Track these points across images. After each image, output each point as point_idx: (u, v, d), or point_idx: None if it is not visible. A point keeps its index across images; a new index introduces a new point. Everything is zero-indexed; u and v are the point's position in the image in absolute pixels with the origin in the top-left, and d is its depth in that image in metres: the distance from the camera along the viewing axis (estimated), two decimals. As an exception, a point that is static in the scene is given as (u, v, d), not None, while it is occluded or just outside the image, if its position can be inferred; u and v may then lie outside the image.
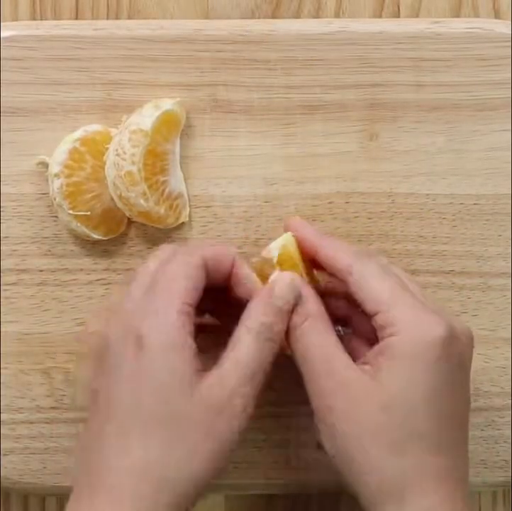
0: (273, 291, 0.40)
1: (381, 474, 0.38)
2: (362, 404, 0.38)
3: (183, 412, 0.37)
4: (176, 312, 0.38)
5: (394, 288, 0.40)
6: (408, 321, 0.39)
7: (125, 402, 0.38)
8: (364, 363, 0.39)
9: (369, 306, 0.40)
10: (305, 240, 0.43)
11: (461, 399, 0.40)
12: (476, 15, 0.52)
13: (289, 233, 0.44)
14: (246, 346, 0.39)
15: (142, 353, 0.38)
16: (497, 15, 0.52)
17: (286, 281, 0.40)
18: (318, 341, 0.40)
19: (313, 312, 0.40)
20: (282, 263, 0.42)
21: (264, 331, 0.39)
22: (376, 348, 0.39)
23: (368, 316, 0.40)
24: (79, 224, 0.48)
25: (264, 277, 0.42)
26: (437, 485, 0.38)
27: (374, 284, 0.40)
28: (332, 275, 0.43)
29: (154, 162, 0.47)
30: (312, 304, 0.41)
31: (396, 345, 0.38)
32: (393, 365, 0.38)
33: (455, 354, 0.39)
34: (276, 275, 0.42)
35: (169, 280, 0.39)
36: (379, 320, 0.39)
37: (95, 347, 0.40)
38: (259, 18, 0.52)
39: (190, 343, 0.38)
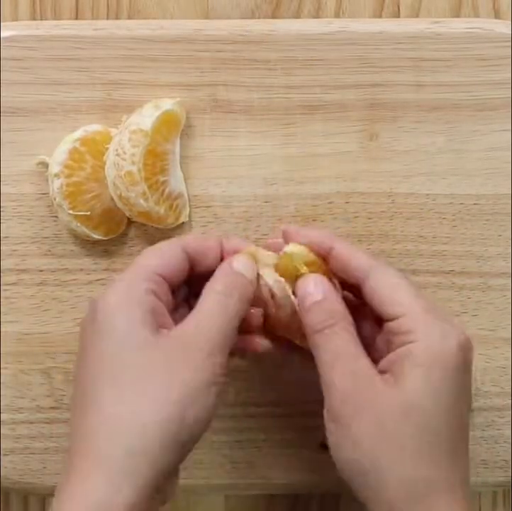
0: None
1: (403, 479, 0.37)
2: (383, 407, 0.38)
3: (143, 364, 0.38)
4: (137, 279, 0.39)
5: (413, 294, 0.40)
6: (427, 328, 0.38)
7: (89, 364, 0.39)
8: (381, 370, 0.39)
9: (388, 311, 0.39)
10: (318, 243, 0.42)
11: (467, 404, 0.40)
12: (476, 15, 0.52)
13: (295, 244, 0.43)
14: (209, 305, 0.39)
15: (95, 314, 0.39)
16: (497, 15, 0.52)
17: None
18: (343, 342, 0.39)
19: (340, 313, 0.40)
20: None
21: (225, 291, 0.40)
22: (394, 354, 0.39)
23: (379, 321, 0.40)
24: (79, 224, 0.48)
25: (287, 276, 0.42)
26: (455, 491, 0.38)
27: (393, 290, 0.40)
28: (341, 278, 0.42)
29: (154, 162, 0.47)
30: (338, 304, 0.40)
31: (418, 352, 0.38)
32: (416, 372, 0.38)
33: (468, 361, 0.39)
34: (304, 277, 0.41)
35: (140, 257, 0.41)
36: (397, 325, 0.39)
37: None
38: (259, 18, 0.52)
39: (148, 303, 0.39)
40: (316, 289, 0.40)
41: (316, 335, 0.40)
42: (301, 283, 0.41)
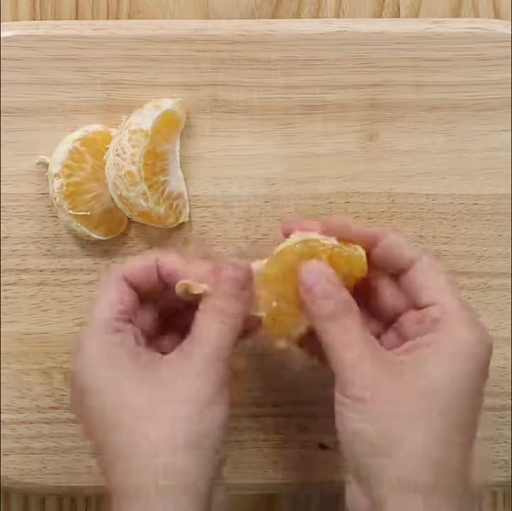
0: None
1: (411, 454, 0.37)
2: (403, 386, 0.38)
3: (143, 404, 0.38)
4: (101, 319, 0.40)
5: (452, 289, 0.41)
6: (458, 322, 0.39)
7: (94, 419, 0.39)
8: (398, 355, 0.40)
9: (426, 296, 0.40)
10: (363, 232, 0.42)
11: (479, 403, 0.40)
12: (476, 15, 0.52)
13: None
14: (206, 327, 0.40)
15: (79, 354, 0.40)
16: (497, 15, 0.52)
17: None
18: (359, 326, 0.40)
19: (351, 301, 0.40)
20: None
21: (217, 312, 0.40)
22: (421, 339, 0.40)
23: (417, 306, 0.41)
24: (79, 224, 0.48)
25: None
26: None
27: (436, 279, 0.41)
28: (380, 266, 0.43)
29: (154, 162, 0.47)
30: (347, 292, 0.41)
31: (445, 340, 0.39)
32: (440, 360, 0.38)
33: (488, 363, 0.40)
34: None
35: (94, 302, 0.41)
36: (431, 312, 0.40)
37: None
38: (259, 18, 0.52)
39: (118, 337, 0.40)
40: (325, 275, 0.41)
41: (328, 321, 0.40)
42: (308, 270, 0.41)
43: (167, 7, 0.52)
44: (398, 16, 0.53)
